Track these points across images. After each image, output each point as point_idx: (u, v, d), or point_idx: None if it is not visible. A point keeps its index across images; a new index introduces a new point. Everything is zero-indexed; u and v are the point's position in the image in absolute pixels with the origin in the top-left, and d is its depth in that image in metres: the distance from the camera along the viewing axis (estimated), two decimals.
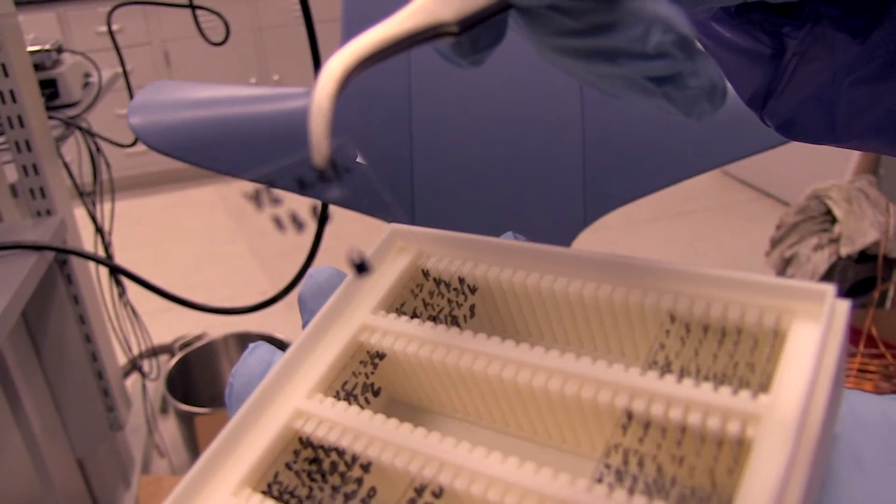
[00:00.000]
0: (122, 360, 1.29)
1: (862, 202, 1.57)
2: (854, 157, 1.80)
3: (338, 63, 0.19)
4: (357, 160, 0.18)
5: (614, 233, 1.92)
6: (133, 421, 1.23)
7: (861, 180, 1.63)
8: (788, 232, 1.66)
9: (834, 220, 1.59)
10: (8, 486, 0.84)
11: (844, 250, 1.51)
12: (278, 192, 0.18)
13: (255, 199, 0.18)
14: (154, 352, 1.45)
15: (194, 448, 1.27)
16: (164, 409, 1.42)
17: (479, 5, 0.20)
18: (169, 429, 1.40)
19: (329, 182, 0.18)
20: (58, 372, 0.99)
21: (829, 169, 1.85)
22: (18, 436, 0.87)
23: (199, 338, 1.50)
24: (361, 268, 0.20)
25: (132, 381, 1.38)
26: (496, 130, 0.70)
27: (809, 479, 0.18)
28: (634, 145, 0.72)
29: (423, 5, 0.20)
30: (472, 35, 0.21)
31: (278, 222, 0.18)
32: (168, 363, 1.40)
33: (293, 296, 1.00)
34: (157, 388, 1.41)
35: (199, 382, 1.38)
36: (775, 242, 1.68)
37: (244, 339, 1.41)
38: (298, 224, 0.18)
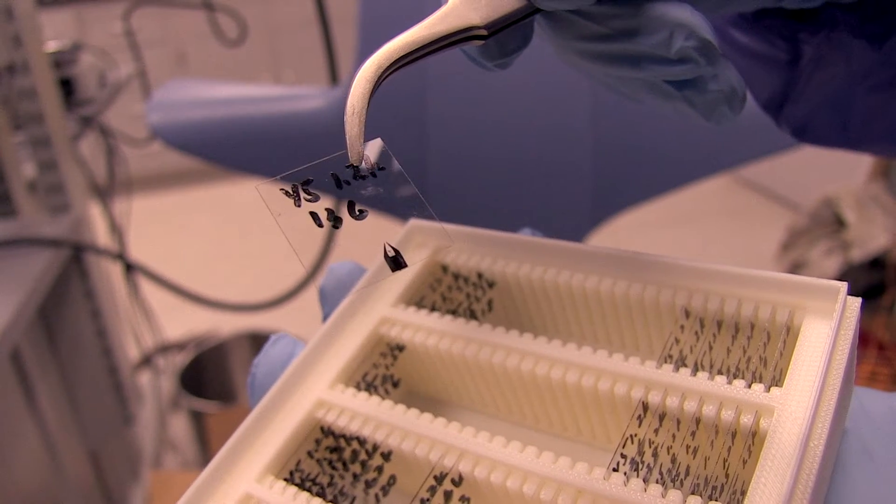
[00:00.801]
0: (133, 355, 1.30)
1: (873, 207, 1.57)
2: (865, 160, 1.80)
3: (371, 65, 0.20)
4: (391, 158, 0.19)
5: (622, 237, 1.92)
6: (144, 416, 1.24)
7: (873, 186, 1.62)
8: (799, 237, 1.66)
9: (844, 226, 1.59)
10: (23, 476, 0.85)
11: (856, 254, 1.50)
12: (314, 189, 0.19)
13: (294, 195, 0.19)
14: (165, 348, 1.46)
15: (205, 444, 1.28)
16: (175, 406, 1.43)
17: (507, 10, 0.21)
18: (180, 425, 1.41)
19: (364, 179, 0.18)
20: (72, 366, 1.00)
21: (839, 173, 1.84)
22: (34, 428, 0.88)
23: (209, 335, 1.51)
24: (397, 262, 0.20)
25: (144, 376, 1.39)
26: (507, 133, 0.71)
27: (821, 470, 0.18)
28: (643, 148, 0.73)
29: (453, 9, 0.21)
30: (500, 39, 0.22)
31: (316, 218, 0.19)
32: (179, 360, 1.41)
33: (302, 297, 1.01)
34: (168, 384, 1.43)
35: (210, 380, 1.40)
36: (785, 247, 1.68)
37: (255, 338, 1.42)
38: (336, 220, 0.19)
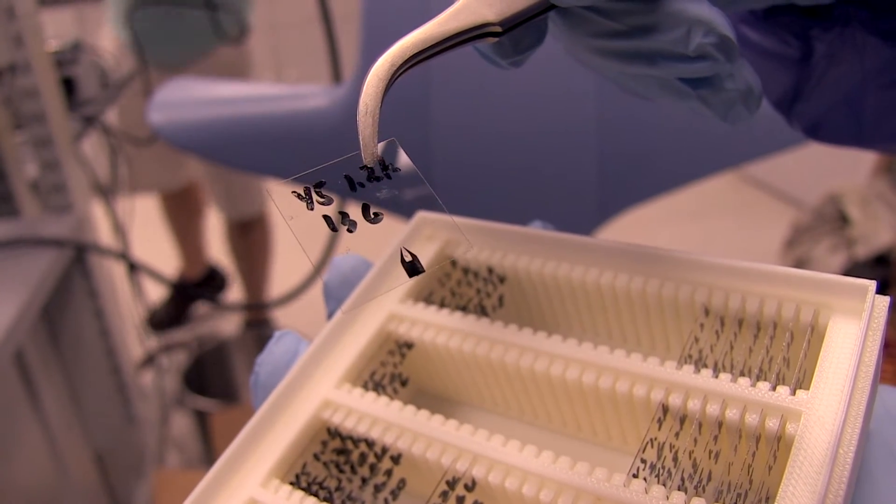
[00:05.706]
0: (137, 355, 1.30)
1: (878, 204, 1.56)
2: (869, 157, 1.78)
3: (384, 62, 0.19)
4: (406, 158, 0.18)
5: (625, 234, 1.90)
6: (148, 415, 1.23)
7: (877, 183, 1.61)
8: (803, 234, 1.65)
9: (849, 223, 1.58)
10: (27, 477, 0.85)
11: (860, 251, 1.49)
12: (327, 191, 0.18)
13: (306, 198, 0.18)
14: (168, 347, 1.46)
15: (208, 443, 1.28)
16: (178, 405, 1.43)
17: (522, 6, 0.20)
18: (183, 424, 1.41)
19: (378, 180, 0.18)
20: (76, 366, 1.00)
21: (844, 170, 1.83)
22: (38, 428, 0.88)
23: (212, 334, 1.51)
24: (414, 268, 0.20)
25: (147, 375, 1.39)
26: (511, 132, 0.70)
27: (851, 477, 0.18)
28: (648, 146, 0.72)
29: (467, 5, 0.20)
30: (514, 36, 0.21)
31: (329, 221, 0.18)
32: (182, 359, 1.40)
33: (306, 296, 1.00)
34: (171, 383, 1.42)
35: (213, 379, 1.39)
36: (789, 244, 1.66)
37: (259, 337, 1.42)
38: (352, 224, 0.18)
